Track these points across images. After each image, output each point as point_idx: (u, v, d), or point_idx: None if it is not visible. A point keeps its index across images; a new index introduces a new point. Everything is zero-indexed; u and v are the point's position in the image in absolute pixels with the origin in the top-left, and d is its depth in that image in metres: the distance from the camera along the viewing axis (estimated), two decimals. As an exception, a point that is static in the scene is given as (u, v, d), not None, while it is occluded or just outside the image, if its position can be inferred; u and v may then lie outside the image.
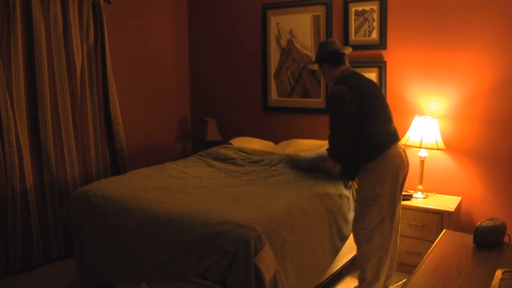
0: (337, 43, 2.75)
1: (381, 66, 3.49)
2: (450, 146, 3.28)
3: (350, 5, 3.56)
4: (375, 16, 3.47)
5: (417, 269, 1.75)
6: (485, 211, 3.20)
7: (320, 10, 3.74)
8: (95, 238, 2.59)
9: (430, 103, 3.35)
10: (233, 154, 3.46)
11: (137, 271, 2.38)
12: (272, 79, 4.07)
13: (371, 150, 2.53)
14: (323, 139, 3.49)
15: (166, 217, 2.30)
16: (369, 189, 2.54)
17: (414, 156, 3.25)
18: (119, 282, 2.60)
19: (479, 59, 3.14)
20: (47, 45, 3.18)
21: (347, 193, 2.86)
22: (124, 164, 3.73)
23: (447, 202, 3.13)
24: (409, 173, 2.69)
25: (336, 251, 2.70)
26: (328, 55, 2.69)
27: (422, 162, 3.25)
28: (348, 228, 2.80)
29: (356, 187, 2.85)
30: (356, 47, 3.49)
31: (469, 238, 2.06)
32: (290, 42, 3.93)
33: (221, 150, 3.55)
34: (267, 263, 2.04)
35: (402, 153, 2.61)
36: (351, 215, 2.82)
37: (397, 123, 2.71)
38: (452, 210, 2.99)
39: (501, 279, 1.58)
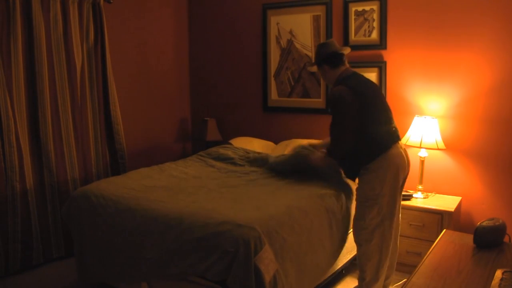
0: (336, 43, 2.75)
1: (381, 66, 3.49)
2: (450, 146, 3.28)
3: (350, 5, 3.56)
4: (375, 16, 3.47)
5: (417, 269, 1.75)
6: (485, 211, 3.20)
7: (320, 10, 3.74)
8: (95, 238, 2.59)
9: (430, 103, 3.35)
10: (233, 154, 3.46)
11: (137, 271, 2.38)
12: (272, 79, 4.07)
13: (371, 151, 2.53)
14: (323, 139, 3.48)
15: (166, 217, 2.30)
16: (369, 189, 2.54)
17: (414, 156, 3.25)
18: (119, 282, 2.60)
19: (479, 59, 3.14)
20: (47, 45, 3.18)
21: (348, 192, 2.86)
22: (124, 164, 3.72)
23: (447, 202, 3.13)
24: (409, 173, 2.69)
25: (336, 251, 2.70)
26: (327, 56, 2.68)
27: (422, 162, 3.25)
28: (348, 228, 2.80)
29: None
30: (356, 47, 3.50)
31: (469, 238, 2.06)
32: (290, 42, 3.93)
33: (221, 150, 3.55)
34: (267, 263, 2.04)
35: (403, 153, 2.61)
36: (351, 215, 2.82)
37: (397, 123, 2.71)
38: (452, 210, 2.99)
39: (501, 279, 1.58)
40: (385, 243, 2.58)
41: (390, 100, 3.26)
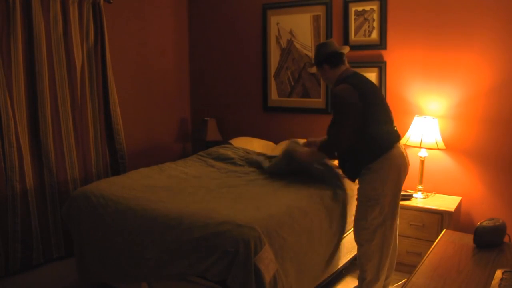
0: (335, 43, 2.75)
1: (381, 66, 3.49)
2: (450, 146, 3.28)
3: (350, 5, 3.56)
4: (375, 16, 3.47)
5: (417, 269, 1.75)
6: (485, 211, 3.20)
7: (320, 10, 3.73)
8: (95, 238, 2.59)
9: (430, 103, 3.35)
10: (233, 154, 3.46)
11: (137, 271, 2.38)
12: (272, 79, 4.07)
13: (373, 151, 2.52)
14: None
15: (166, 217, 2.30)
16: (370, 189, 2.54)
17: (414, 156, 3.25)
18: (119, 282, 2.60)
19: (480, 59, 3.14)
20: (47, 45, 3.18)
21: (348, 192, 2.86)
22: (124, 164, 3.72)
23: (447, 202, 3.13)
24: (409, 173, 2.69)
25: (336, 251, 2.70)
26: (327, 56, 2.67)
27: (422, 162, 3.25)
28: (348, 228, 2.80)
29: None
30: (356, 47, 3.50)
31: (469, 238, 2.05)
32: (290, 42, 3.92)
33: (221, 150, 3.55)
34: (267, 263, 2.04)
35: (404, 153, 2.61)
36: (348, 215, 2.82)
37: (397, 123, 2.71)
38: (452, 210, 2.99)
39: (501, 279, 1.58)
40: (386, 243, 2.58)
41: (390, 100, 3.26)
